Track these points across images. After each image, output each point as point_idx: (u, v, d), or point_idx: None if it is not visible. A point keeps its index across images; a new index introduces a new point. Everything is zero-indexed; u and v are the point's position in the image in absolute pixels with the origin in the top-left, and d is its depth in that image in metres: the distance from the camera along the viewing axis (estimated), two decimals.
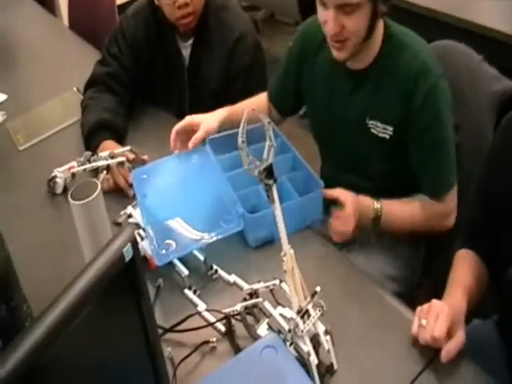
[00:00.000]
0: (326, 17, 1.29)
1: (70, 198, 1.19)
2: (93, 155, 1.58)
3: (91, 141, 1.69)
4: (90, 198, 1.19)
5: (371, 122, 1.43)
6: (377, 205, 1.40)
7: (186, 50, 1.85)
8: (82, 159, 1.57)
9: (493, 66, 1.54)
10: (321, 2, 1.29)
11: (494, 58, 1.55)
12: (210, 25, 1.79)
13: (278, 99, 1.70)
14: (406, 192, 1.48)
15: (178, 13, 1.70)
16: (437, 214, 1.43)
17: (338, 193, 1.38)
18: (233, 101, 1.66)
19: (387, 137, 1.42)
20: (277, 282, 1.12)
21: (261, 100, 1.72)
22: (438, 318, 1.05)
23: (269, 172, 0.95)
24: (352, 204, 1.35)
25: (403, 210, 1.44)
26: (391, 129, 1.40)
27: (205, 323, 1.17)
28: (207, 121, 1.53)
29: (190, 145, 1.49)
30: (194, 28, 1.79)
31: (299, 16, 3.32)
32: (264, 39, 4.22)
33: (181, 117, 1.59)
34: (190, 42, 1.83)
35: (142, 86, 1.91)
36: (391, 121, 1.40)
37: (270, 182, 0.95)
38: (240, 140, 0.99)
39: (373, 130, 1.43)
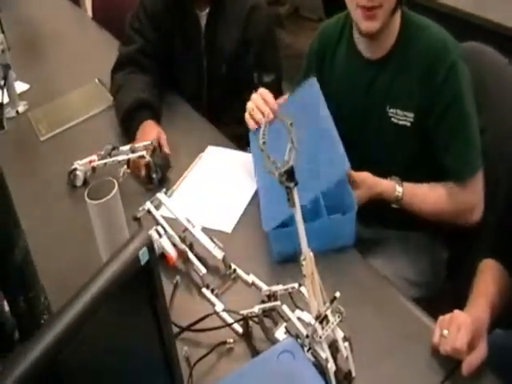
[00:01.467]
0: None
1: (86, 197, 1.18)
2: (131, 138, 1.60)
3: (131, 121, 1.71)
4: (107, 198, 1.18)
5: (391, 110, 1.44)
6: (399, 188, 1.39)
7: (202, 19, 1.89)
8: (102, 152, 1.56)
9: None
10: None
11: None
12: None
13: None
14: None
15: None
16: (463, 202, 1.41)
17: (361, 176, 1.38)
18: (246, 69, 1.78)
19: (408, 124, 1.42)
20: (296, 285, 1.10)
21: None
22: (460, 329, 1.03)
23: (289, 175, 0.92)
24: None
25: (428, 195, 1.42)
26: (412, 115, 1.41)
27: (222, 323, 1.15)
28: None
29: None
30: None
31: (323, 12, 3.30)
32: (288, 34, 4.23)
33: (199, 85, 1.72)
34: (207, 11, 1.87)
35: (165, 56, 1.93)
36: (412, 107, 1.41)
37: (291, 184, 0.93)
38: (261, 141, 0.97)
39: (393, 119, 1.44)
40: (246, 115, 1.53)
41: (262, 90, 1.53)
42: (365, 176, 1.38)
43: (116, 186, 1.21)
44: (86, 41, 2.48)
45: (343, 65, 1.53)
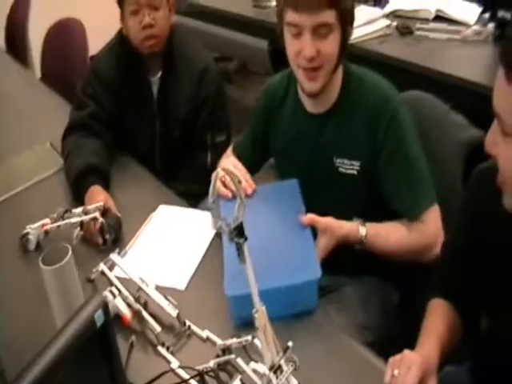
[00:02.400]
0: (301, 44, 1.34)
1: (40, 263, 1.19)
2: (80, 202, 1.62)
3: (80, 186, 1.72)
4: (62, 263, 1.19)
5: (338, 160, 1.48)
6: (362, 229, 1.40)
7: (155, 84, 1.96)
8: (55, 215, 1.57)
9: (461, 114, 1.58)
10: (294, 30, 1.34)
11: (462, 106, 1.60)
12: (175, 59, 1.93)
13: (246, 157, 1.69)
14: None
15: (142, 34, 1.83)
16: (422, 237, 1.42)
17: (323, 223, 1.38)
18: (199, 130, 1.84)
19: (355, 172, 1.46)
20: (249, 337, 1.12)
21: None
22: (410, 368, 1.05)
23: (239, 231, 0.96)
24: None
25: (390, 232, 1.44)
26: (358, 163, 1.45)
27: (179, 380, 1.16)
28: None
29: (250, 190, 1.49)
30: (161, 63, 1.92)
31: (270, 66, 3.40)
32: (236, 89, 4.35)
33: (152, 148, 1.77)
34: (158, 76, 1.94)
35: (117, 121, 1.98)
36: (357, 155, 1.45)
37: (241, 240, 0.97)
38: (211, 200, 1.01)
39: (341, 169, 1.48)
40: (218, 182, 1.48)
41: (234, 160, 1.56)
42: (328, 220, 1.38)
43: (70, 251, 1.22)
44: (35, 103, 2.50)
45: (289, 120, 1.57)
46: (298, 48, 1.35)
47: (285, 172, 1.65)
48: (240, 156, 1.70)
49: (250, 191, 1.48)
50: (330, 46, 1.35)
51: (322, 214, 1.44)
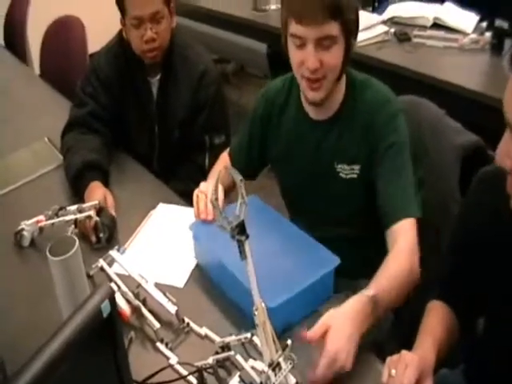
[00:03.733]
0: (304, 55, 1.34)
1: (48, 254, 1.19)
2: (79, 197, 1.64)
3: (79, 182, 1.73)
4: (70, 254, 1.19)
5: (339, 165, 1.48)
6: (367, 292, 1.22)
7: (154, 85, 1.97)
8: (49, 213, 1.56)
9: (457, 121, 1.59)
10: (298, 42, 1.33)
11: (456, 112, 1.61)
12: (175, 61, 1.93)
13: (242, 162, 1.69)
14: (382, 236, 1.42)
15: (144, 47, 1.84)
16: (404, 250, 1.31)
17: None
18: (197, 132, 1.82)
19: (355, 176, 1.46)
20: (248, 335, 1.13)
21: (226, 163, 1.74)
22: (407, 367, 1.07)
23: (241, 228, 0.97)
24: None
25: (385, 273, 1.30)
26: (358, 167, 1.46)
27: (177, 376, 1.17)
28: None
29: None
30: (161, 65, 1.92)
31: (268, 69, 3.42)
32: (234, 91, 4.37)
33: (150, 148, 1.78)
34: (158, 77, 1.95)
35: (117, 121, 1.99)
36: (358, 159, 1.45)
37: (243, 238, 0.98)
38: (213, 197, 1.02)
39: (341, 174, 1.48)
40: (194, 198, 1.53)
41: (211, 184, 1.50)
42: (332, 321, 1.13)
43: (77, 243, 1.23)
44: (33, 99, 2.51)
45: (291, 126, 1.56)
46: (302, 58, 1.35)
47: (284, 177, 1.66)
48: (235, 160, 1.71)
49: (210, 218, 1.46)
50: (334, 57, 1.34)
51: (317, 212, 1.45)
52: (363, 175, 1.46)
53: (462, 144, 1.55)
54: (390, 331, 1.61)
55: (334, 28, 1.31)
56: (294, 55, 1.38)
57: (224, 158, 1.77)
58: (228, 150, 1.79)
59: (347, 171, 1.47)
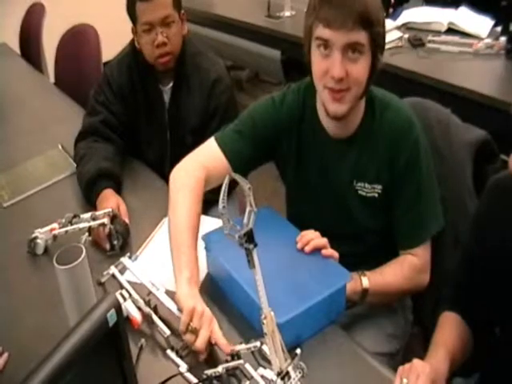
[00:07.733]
0: (329, 63, 1.28)
1: (55, 263, 1.20)
2: (92, 205, 1.66)
3: (92, 190, 1.74)
4: (76, 263, 1.20)
5: (359, 184, 1.46)
6: (365, 282, 1.38)
7: (166, 93, 1.99)
8: (63, 220, 1.57)
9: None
10: (323, 47, 1.28)
11: (470, 117, 1.60)
12: (187, 69, 1.94)
13: (243, 153, 1.53)
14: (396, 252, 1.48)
15: (156, 52, 1.86)
16: (413, 269, 1.43)
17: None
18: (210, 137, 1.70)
19: (376, 195, 1.45)
20: (258, 344, 1.13)
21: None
22: (419, 377, 1.06)
23: (249, 237, 0.97)
24: None
25: (387, 274, 1.43)
26: (380, 187, 1.44)
27: None
28: None
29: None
30: (173, 73, 1.94)
31: (282, 76, 3.42)
32: (247, 97, 4.37)
33: (162, 156, 1.83)
34: (170, 85, 1.96)
35: (129, 129, 2.01)
36: (379, 180, 1.44)
37: (251, 246, 0.97)
38: (221, 205, 1.02)
39: (360, 192, 1.46)
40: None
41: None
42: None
43: (84, 252, 1.23)
44: (48, 106, 2.54)
45: (309, 143, 1.51)
46: (326, 67, 1.29)
47: (297, 191, 1.61)
48: (233, 151, 1.53)
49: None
50: (360, 70, 1.29)
51: (330, 225, 1.41)
52: (384, 195, 1.45)
53: (471, 139, 1.54)
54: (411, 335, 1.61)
55: (362, 36, 1.26)
56: (319, 64, 1.32)
57: (211, 148, 1.57)
58: (213, 140, 1.58)
59: (368, 190, 1.46)
